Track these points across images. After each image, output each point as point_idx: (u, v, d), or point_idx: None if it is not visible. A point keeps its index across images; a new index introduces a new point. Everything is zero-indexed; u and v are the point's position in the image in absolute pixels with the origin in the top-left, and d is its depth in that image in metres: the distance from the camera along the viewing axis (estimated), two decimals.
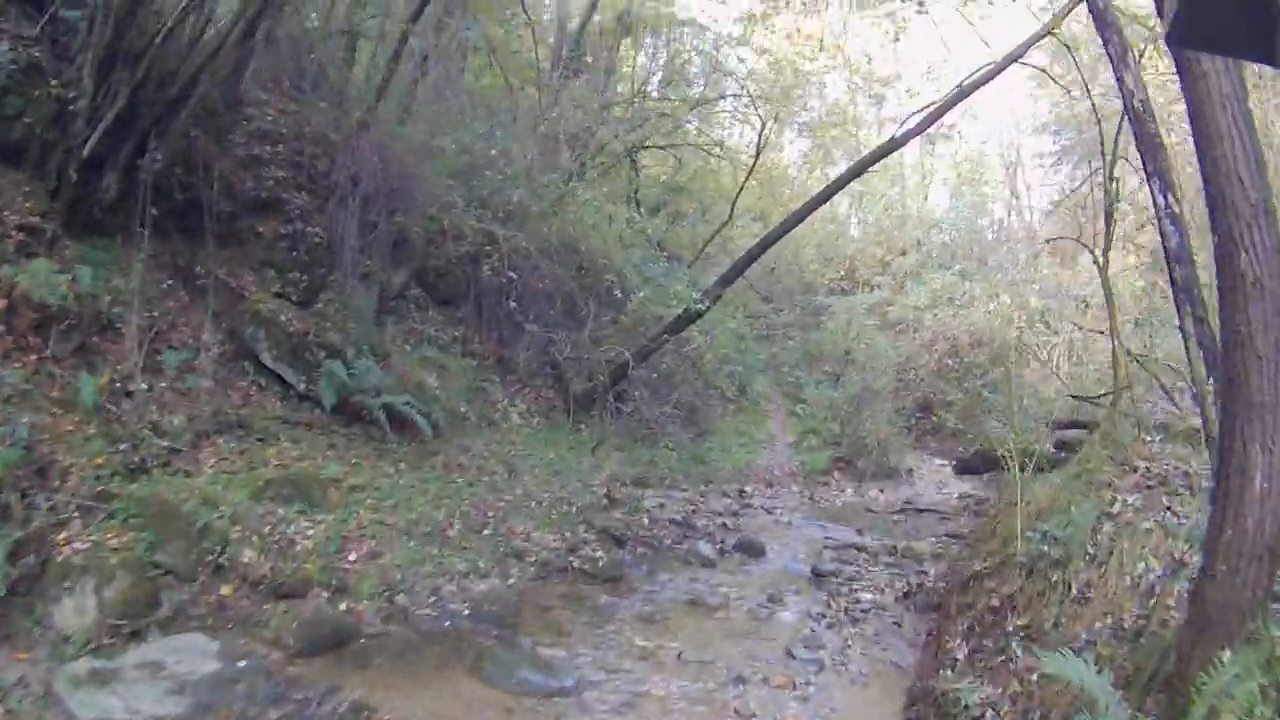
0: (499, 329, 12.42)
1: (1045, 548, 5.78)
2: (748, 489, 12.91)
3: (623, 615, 7.17)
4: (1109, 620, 4.86)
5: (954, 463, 15.82)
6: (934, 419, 17.71)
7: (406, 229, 11.09)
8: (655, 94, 18.11)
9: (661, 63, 20.26)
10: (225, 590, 5.86)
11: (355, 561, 6.60)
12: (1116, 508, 5.79)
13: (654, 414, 13.10)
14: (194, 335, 8.00)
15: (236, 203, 8.70)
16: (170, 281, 8.03)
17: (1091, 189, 13.60)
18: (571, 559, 8.20)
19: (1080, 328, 16.49)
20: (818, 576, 8.87)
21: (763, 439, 14.86)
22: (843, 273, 22.63)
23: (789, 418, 16.07)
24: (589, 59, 16.95)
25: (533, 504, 9.16)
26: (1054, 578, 5.54)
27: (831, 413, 15.86)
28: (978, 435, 16.49)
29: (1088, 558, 5.46)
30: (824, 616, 7.57)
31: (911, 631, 7.43)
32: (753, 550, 9.68)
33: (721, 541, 9.92)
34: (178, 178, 7.96)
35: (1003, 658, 5.31)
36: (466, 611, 6.68)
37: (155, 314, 7.52)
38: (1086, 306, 16.50)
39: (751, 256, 13.78)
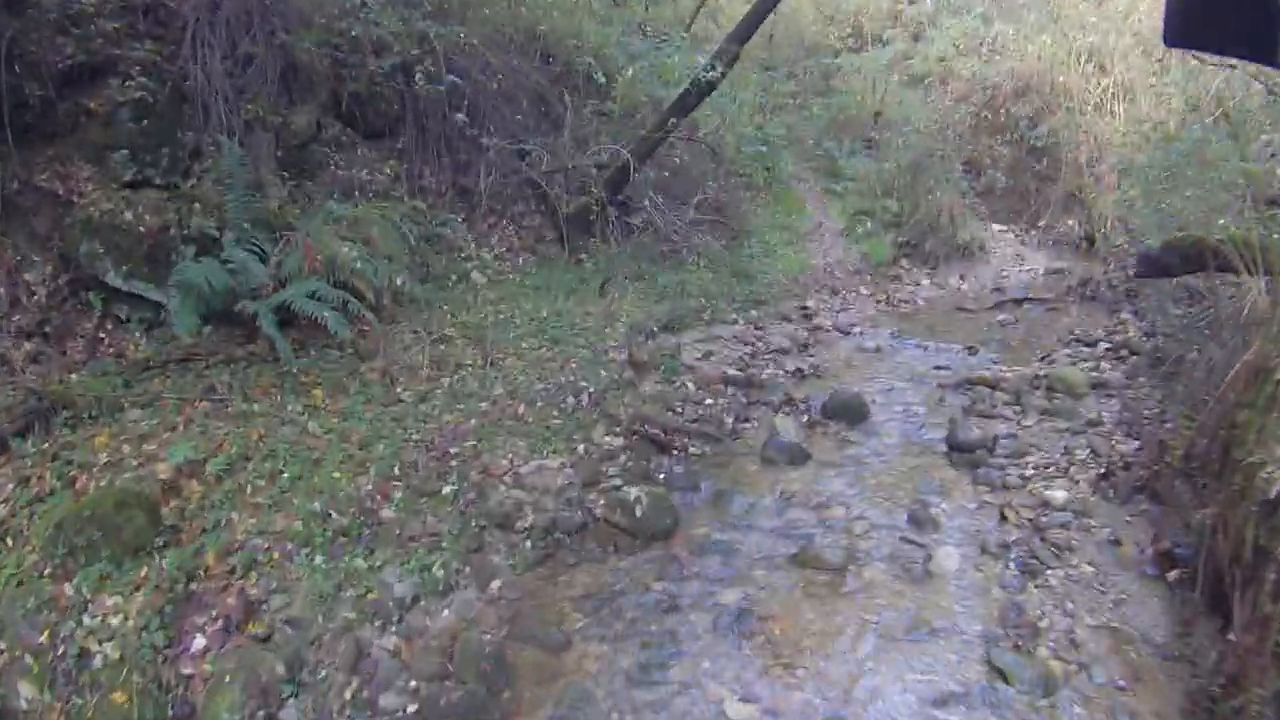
0: (451, 152, 8.95)
1: None
2: (809, 303, 10.04)
3: (691, 626, 4.29)
4: None
5: (1136, 264, 12.62)
6: (981, 179, 14.25)
7: (298, 52, 7.65)
8: None
9: None
10: None
11: (203, 653, 3.71)
12: None
13: (673, 224, 9.84)
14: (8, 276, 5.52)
15: (48, 79, 6.19)
16: None
17: None
18: (591, 503, 5.30)
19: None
20: (960, 454, 6.10)
21: (808, 229, 11.68)
22: (849, 29, 18.34)
23: (829, 198, 12.72)
24: None
25: (522, 407, 6.17)
26: None
27: (882, 186, 12.51)
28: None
29: None
30: (1009, 551, 4.81)
31: (1137, 551, 4.69)
32: (850, 413, 6.88)
33: (805, 405, 7.06)
34: None
35: None
36: None
37: None
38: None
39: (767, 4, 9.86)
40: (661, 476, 5.76)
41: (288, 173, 7.28)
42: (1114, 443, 5.93)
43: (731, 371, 7.62)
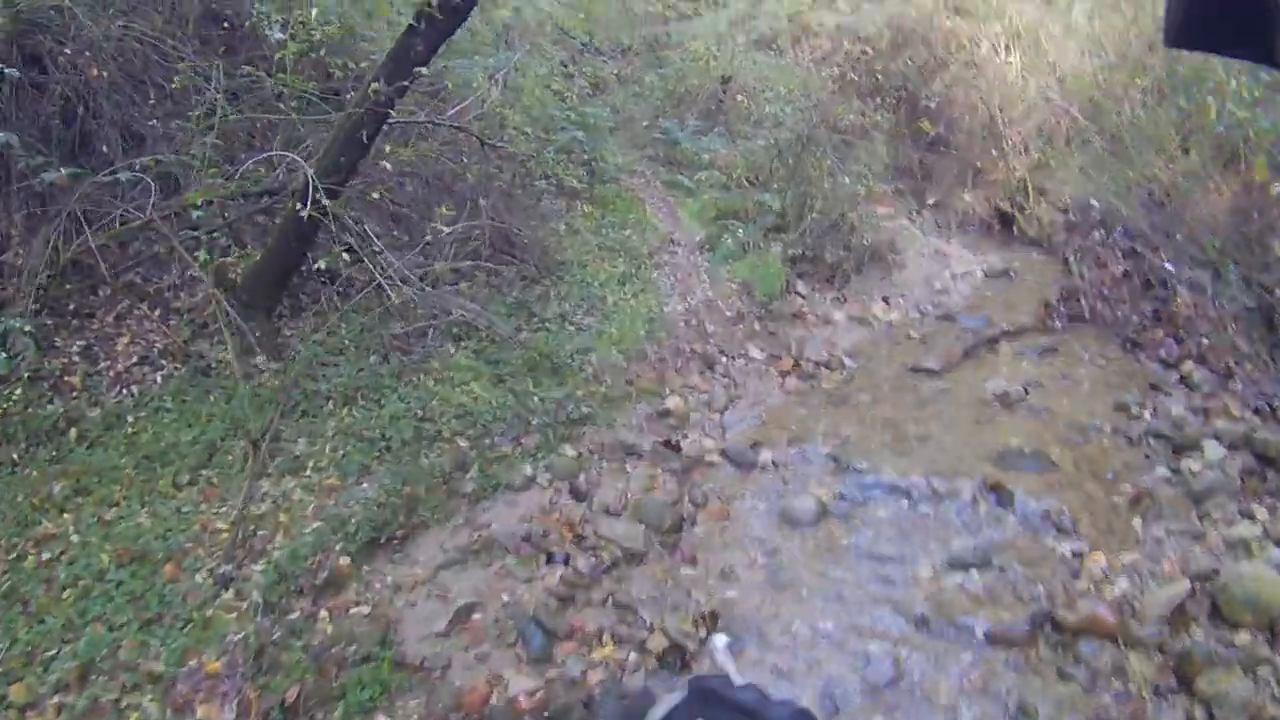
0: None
1: None
2: (670, 402, 5.60)
3: None
4: None
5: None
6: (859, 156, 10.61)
7: None
8: None
9: None
10: None
11: None
12: None
13: (413, 272, 5.34)
14: None
15: None
16: None
17: None
18: None
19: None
20: None
21: (653, 248, 7.42)
22: None
23: (677, 196, 8.58)
24: None
25: None
26: None
27: (752, 174, 8.51)
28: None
29: None
30: None
31: None
32: None
33: None
34: None
35: None
36: None
37: None
38: None
39: None
40: None
41: None
42: None
43: (512, 686, 3.31)
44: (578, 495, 4.52)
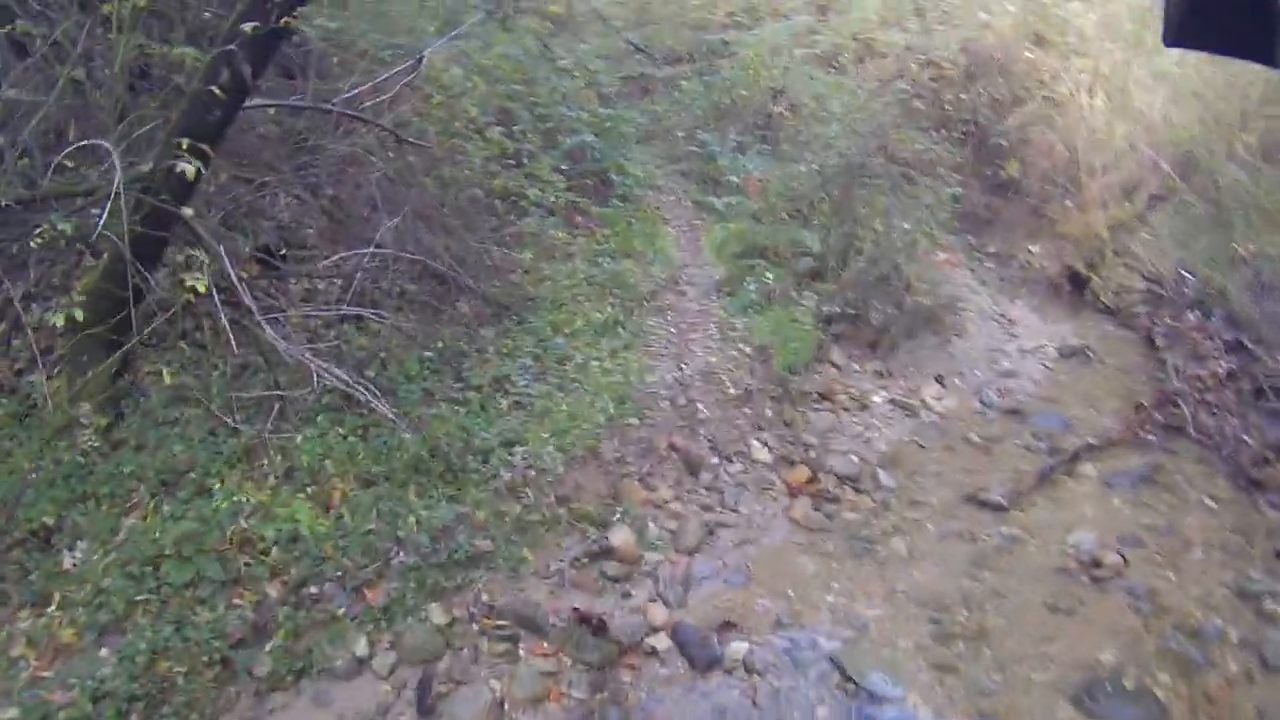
0: None
1: None
2: (616, 535, 4.01)
3: None
4: None
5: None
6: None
7: None
8: None
9: None
10: None
11: None
12: None
13: (295, 309, 4.16)
14: None
15: None
16: None
17: None
18: None
19: None
20: None
21: (654, 287, 6.14)
22: (741, 4, 13.37)
23: (703, 220, 7.30)
24: None
25: None
26: None
27: (791, 204, 7.21)
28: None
29: None
30: None
31: None
32: None
33: None
34: None
35: None
36: None
37: None
38: None
39: None
40: None
41: None
42: None
43: None
44: (424, 705, 3.11)
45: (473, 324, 4.92)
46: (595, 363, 5.09)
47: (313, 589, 3.31)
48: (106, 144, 3.26)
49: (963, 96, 9.81)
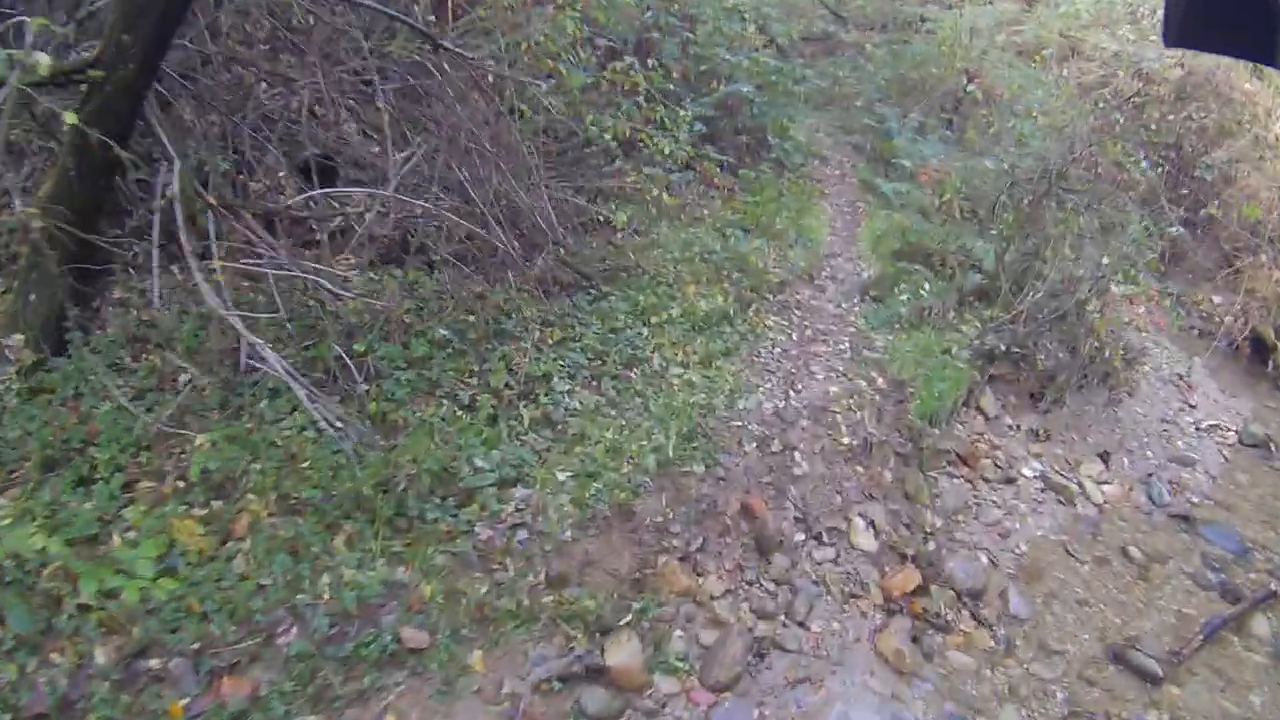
0: None
1: None
2: (611, 653, 2.89)
3: None
4: None
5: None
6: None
7: None
8: None
9: None
10: None
11: None
12: None
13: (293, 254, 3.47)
14: None
15: None
16: None
17: None
18: None
19: None
20: None
21: (785, 277, 5.22)
22: None
23: (866, 202, 6.43)
24: None
25: None
26: None
27: (968, 206, 6.29)
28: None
29: None
30: None
31: None
32: None
33: None
34: None
35: None
36: None
37: None
38: None
39: None
40: None
41: None
42: None
43: None
44: None
45: (524, 293, 3.83)
46: (677, 371, 3.99)
47: (153, 662, 2.41)
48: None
49: (1170, 117, 8.74)
